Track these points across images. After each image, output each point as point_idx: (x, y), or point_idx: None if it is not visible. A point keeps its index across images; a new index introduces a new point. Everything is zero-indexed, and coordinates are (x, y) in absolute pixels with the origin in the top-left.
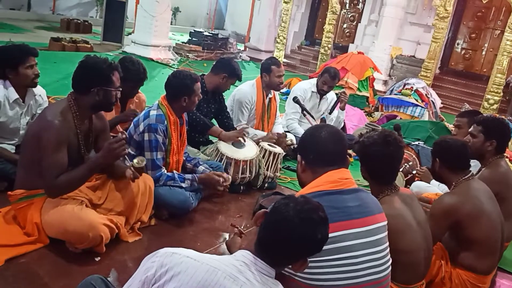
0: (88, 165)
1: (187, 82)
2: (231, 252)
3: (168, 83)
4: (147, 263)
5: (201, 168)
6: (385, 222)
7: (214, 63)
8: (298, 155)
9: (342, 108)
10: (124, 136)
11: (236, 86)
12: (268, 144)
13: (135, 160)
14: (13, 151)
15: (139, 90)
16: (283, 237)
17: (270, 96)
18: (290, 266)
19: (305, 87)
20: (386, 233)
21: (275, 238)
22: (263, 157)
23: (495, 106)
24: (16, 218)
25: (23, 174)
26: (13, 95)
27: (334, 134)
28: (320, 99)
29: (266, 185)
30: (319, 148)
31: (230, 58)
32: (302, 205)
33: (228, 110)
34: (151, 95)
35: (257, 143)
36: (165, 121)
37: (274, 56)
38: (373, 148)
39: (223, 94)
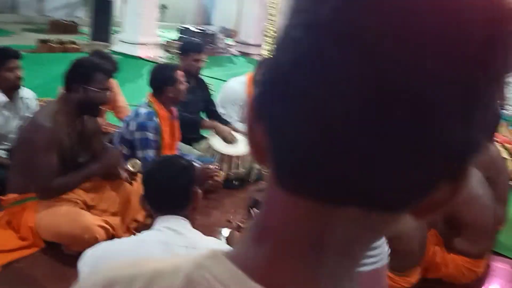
0: (85, 171)
1: (167, 72)
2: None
3: (150, 79)
4: (80, 268)
5: (194, 164)
6: None
7: None
8: None
9: None
10: (123, 151)
11: (226, 81)
12: None
13: (129, 165)
14: (5, 156)
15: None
16: (166, 182)
17: None
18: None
19: None
20: None
21: (159, 188)
22: None
23: None
24: (10, 223)
25: (16, 178)
26: (1, 98)
27: None
28: None
29: (254, 177)
30: None
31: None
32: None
33: (219, 106)
34: (142, 94)
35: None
36: (155, 118)
37: (263, 49)
38: None
39: (204, 80)
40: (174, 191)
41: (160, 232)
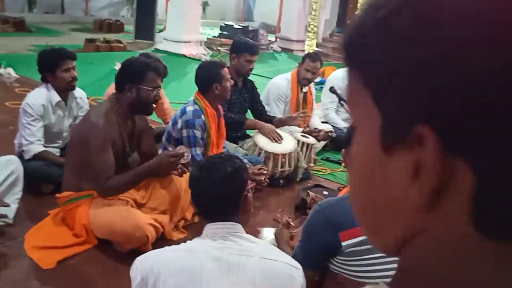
0: (140, 171)
1: (213, 69)
2: (279, 245)
3: (196, 76)
4: (132, 275)
5: None
6: None
7: None
8: (343, 150)
9: None
10: (186, 154)
11: (269, 78)
12: (301, 135)
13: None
14: (58, 154)
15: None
16: (211, 191)
17: (305, 90)
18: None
19: (340, 76)
20: None
21: (207, 197)
22: None
23: None
24: (65, 219)
25: (70, 176)
26: (56, 97)
27: None
28: None
29: (300, 176)
30: None
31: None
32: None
33: (263, 103)
34: (186, 92)
35: (291, 133)
36: (202, 115)
37: (307, 44)
38: None
39: (254, 81)
40: (222, 200)
41: (210, 240)
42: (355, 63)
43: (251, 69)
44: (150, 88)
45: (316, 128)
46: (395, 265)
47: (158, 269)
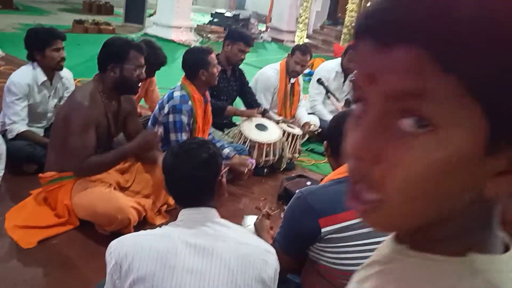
0: (119, 152)
1: (200, 55)
2: (259, 234)
3: (183, 62)
4: (107, 259)
5: (226, 150)
6: None
7: None
8: (325, 141)
9: None
10: (159, 133)
11: (259, 67)
12: (287, 125)
13: None
14: (42, 134)
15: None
16: (186, 178)
17: (292, 81)
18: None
19: (328, 68)
20: None
21: (182, 184)
22: None
23: None
24: (47, 200)
25: (54, 157)
26: (42, 77)
27: None
28: (345, 80)
29: (284, 165)
30: (342, 140)
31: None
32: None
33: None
34: (174, 77)
35: (277, 123)
36: (189, 101)
37: (297, 36)
38: None
39: (243, 70)
40: (198, 186)
41: (185, 225)
42: (451, 64)
43: (242, 60)
44: (132, 67)
45: (305, 123)
46: (371, 253)
47: (132, 254)
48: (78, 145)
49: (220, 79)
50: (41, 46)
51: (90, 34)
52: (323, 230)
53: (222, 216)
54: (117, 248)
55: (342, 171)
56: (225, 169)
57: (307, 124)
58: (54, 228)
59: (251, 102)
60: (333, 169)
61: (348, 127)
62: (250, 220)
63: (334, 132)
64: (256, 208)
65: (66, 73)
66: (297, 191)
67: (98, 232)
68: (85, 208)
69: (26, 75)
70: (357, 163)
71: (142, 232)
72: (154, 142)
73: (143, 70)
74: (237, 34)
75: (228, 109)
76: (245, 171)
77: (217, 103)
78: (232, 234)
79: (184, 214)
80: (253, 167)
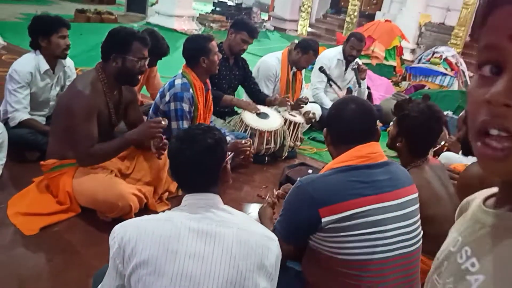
0: (121, 140)
1: (200, 42)
2: (262, 222)
3: (184, 49)
4: (110, 243)
5: (227, 138)
6: (416, 194)
7: None
8: (325, 129)
9: (363, 78)
10: (164, 123)
11: (261, 56)
12: (289, 114)
13: None
14: (44, 122)
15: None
16: (192, 164)
17: (294, 70)
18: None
19: (330, 56)
20: (417, 205)
21: (187, 169)
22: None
23: None
24: (49, 187)
25: (55, 144)
26: (44, 65)
27: (361, 111)
28: (346, 68)
29: (286, 153)
30: (344, 127)
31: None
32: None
33: None
34: (175, 66)
35: (278, 111)
36: (190, 89)
37: (300, 25)
38: (424, 123)
39: (246, 59)
40: (203, 171)
41: (189, 210)
42: None
43: (244, 50)
44: (135, 59)
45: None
46: (373, 243)
47: (135, 238)
48: (82, 133)
49: (222, 67)
50: (47, 32)
51: (92, 23)
52: (323, 220)
53: (225, 203)
54: (120, 232)
55: (342, 160)
56: (230, 156)
57: (307, 112)
58: (56, 215)
59: (255, 92)
60: (333, 157)
61: (472, 88)
62: (250, 208)
63: (334, 120)
64: (257, 196)
65: (68, 62)
66: (297, 179)
67: (99, 218)
68: (86, 195)
69: (28, 63)
70: (497, 110)
71: (145, 216)
72: (156, 129)
73: (146, 62)
74: (242, 24)
75: (225, 98)
76: (248, 152)
77: (214, 91)
78: (235, 220)
79: (188, 199)
80: (248, 142)
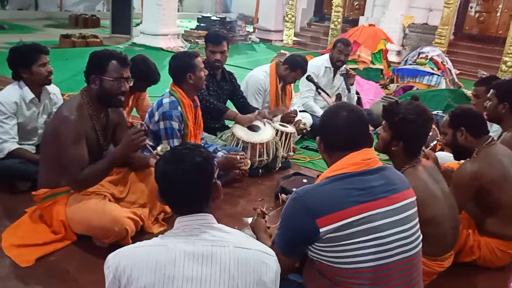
0: (109, 158)
1: (185, 59)
2: (256, 234)
3: (170, 67)
4: (105, 273)
5: (219, 154)
6: (414, 198)
7: None
8: (317, 137)
9: (352, 84)
10: (143, 127)
11: (248, 68)
12: (280, 124)
13: (159, 148)
14: (33, 151)
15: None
16: (182, 184)
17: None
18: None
19: (317, 64)
20: (415, 208)
21: (177, 190)
22: None
23: None
24: (42, 217)
25: (45, 173)
26: (29, 94)
27: (352, 118)
28: (334, 74)
29: (280, 164)
30: (336, 135)
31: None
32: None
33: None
34: (163, 85)
35: (273, 116)
36: (179, 107)
37: (285, 34)
38: (416, 125)
39: (233, 73)
40: (194, 191)
41: (182, 233)
42: None
43: (217, 61)
44: (111, 79)
45: (298, 121)
46: (373, 250)
47: (130, 266)
48: (71, 158)
49: (209, 83)
50: (27, 63)
51: (78, 48)
52: (321, 230)
53: (221, 220)
54: (114, 262)
55: (336, 168)
56: (216, 171)
57: (298, 122)
58: (51, 245)
59: (244, 106)
60: (328, 165)
61: None
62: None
63: (326, 128)
64: (254, 209)
65: (53, 89)
66: (293, 189)
67: (96, 245)
68: (81, 223)
69: (13, 93)
70: None
71: (138, 243)
72: (140, 138)
73: (126, 83)
74: (206, 36)
75: (229, 113)
76: (240, 164)
77: (218, 104)
78: (230, 238)
79: (181, 222)
80: (247, 161)
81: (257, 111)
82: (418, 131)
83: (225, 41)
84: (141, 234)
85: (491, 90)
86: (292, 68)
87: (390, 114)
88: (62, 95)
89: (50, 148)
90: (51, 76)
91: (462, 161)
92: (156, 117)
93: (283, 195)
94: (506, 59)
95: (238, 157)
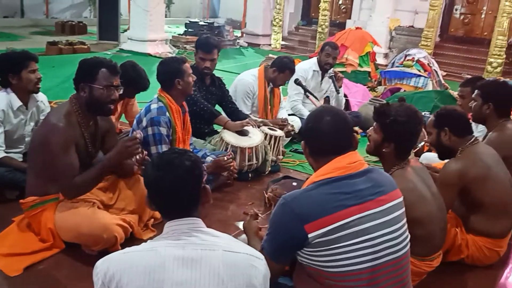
0: (101, 165)
1: (174, 64)
2: (248, 236)
3: (158, 73)
4: (94, 279)
5: (209, 159)
6: (401, 199)
7: None
8: (302, 142)
9: (340, 86)
10: (138, 135)
11: (237, 73)
12: (269, 128)
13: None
14: (21, 159)
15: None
16: (172, 189)
17: (271, 86)
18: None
19: (305, 67)
20: (403, 209)
21: (167, 195)
22: None
23: (499, 69)
24: (31, 225)
25: (33, 181)
26: (16, 102)
27: (336, 122)
28: (322, 78)
29: (269, 168)
30: (321, 140)
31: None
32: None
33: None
34: (151, 90)
35: (258, 126)
36: (167, 112)
37: (273, 39)
38: (407, 126)
39: (222, 78)
40: (184, 195)
41: (171, 237)
42: None
43: (207, 68)
44: (101, 87)
45: (282, 118)
46: (361, 252)
47: (119, 272)
48: (62, 166)
49: (198, 88)
50: (16, 69)
51: (65, 55)
52: (310, 235)
53: (211, 225)
54: (103, 268)
55: (322, 173)
56: (205, 176)
57: (285, 120)
58: (40, 253)
59: (233, 111)
60: (314, 169)
61: None
62: (238, 227)
63: (310, 133)
64: (244, 214)
65: (41, 97)
66: (282, 196)
67: (85, 253)
68: (69, 230)
69: (0, 101)
70: None
71: (127, 249)
72: (135, 146)
73: (115, 91)
74: (197, 42)
75: (220, 118)
76: (229, 166)
77: (211, 107)
78: (219, 242)
79: (170, 226)
80: (230, 157)
81: (247, 119)
82: (409, 132)
83: (215, 49)
84: (131, 240)
85: (476, 90)
86: (280, 70)
87: (381, 116)
88: (50, 102)
89: (39, 156)
90: (39, 83)
91: (447, 160)
92: (144, 123)
93: (269, 193)
94: (491, 60)
95: (225, 158)
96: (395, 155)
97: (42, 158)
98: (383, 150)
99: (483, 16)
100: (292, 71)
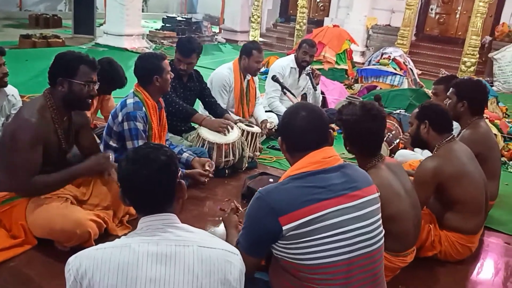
0: (69, 173)
1: (153, 61)
2: (227, 229)
3: (136, 68)
4: (66, 276)
5: (185, 155)
6: (376, 195)
7: None
8: (279, 138)
9: (317, 83)
10: (112, 156)
11: (214, 69)
12: (246, 124)
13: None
14: None
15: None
16: (147, 183)
17: (248, 78)
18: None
19: (283, 64)
20: (378, 205)
21: (142, 190)
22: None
23: (472, 69)
24: (1, 221)
25: (3, 177)
26: None
27: (311, 118)
28: (300, 75)
29: (246, 165)
30: (296, 135)
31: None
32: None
33: None
34: (128, 85)
35: (235, 123)
36: (143, 107)
37: (251, 35)
38: (359, 125)
39: (199, 71)
40: (159, 191)
41: (145, 233)
42: None
43: (182, 70)
44: (82, 82)
45: (262, 121)
46: (335, 245)
47: (91, 268)
48: (21, 163)
49: (176, 86)
50: None
51: (39, 48)
52: (284, 228)
53: (187, 221)
54: (75, 264)
55: (297, 167)
56: (180, 172)
57: (264, 122)
58: (11, 250)
59: (211, 104)
60: (290, 164)
61: None
62: (213, 223)
63: (286, 128)
64: (220, 210)
65: (11, 90)
66: (258, 190)
67: (58, 249)
68: (41, 226)
69: None
70: None
71: (100, 245)
72: (107, 165)
73: (94, 87)
74: (178, 43)
75: (197, 116)
76: (205, 180)
77: (187, 106)
78: (194, 238)
79: (144, 222)
80: (213, 168)
81: (223, 120)
82: (355, 130)
83: (194, 53)
84: (106, 236)
85: (451, 88)
86: (247, 54)
87: (338, 115)
88: (22, 96)
89: (7, 152)
90: (6, 77)
91: (423, 158)
92: (120, 118)
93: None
94: (465, 59)
95: (206, 165)
96: (360, 153)
97: (8, 153)
98: (347, 148)
99: (457, 16)
100: (259, 50)
